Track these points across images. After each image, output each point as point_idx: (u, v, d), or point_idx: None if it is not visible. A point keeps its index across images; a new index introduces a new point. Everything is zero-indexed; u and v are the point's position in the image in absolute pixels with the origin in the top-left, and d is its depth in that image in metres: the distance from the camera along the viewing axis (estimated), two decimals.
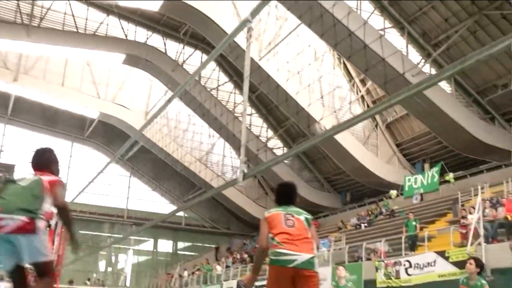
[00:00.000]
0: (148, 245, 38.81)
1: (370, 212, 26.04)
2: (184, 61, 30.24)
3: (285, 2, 18.68)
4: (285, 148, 33.35)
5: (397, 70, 18.33)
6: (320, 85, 28.20)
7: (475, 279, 6.79)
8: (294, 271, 3.98)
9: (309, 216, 4.42)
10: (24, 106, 32.98)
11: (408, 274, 15.20)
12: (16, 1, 26.43)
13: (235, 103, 32.23)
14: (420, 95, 20.82)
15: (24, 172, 4.57)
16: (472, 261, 6.91)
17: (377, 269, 16.60)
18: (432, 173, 24.81)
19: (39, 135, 35.31)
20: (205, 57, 31.33)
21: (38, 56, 29.92)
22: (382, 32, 23.46)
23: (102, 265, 38.08)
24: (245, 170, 4.17)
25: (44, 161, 4.77)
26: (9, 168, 33.64)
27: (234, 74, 32.03)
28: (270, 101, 30.14)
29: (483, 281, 6.75)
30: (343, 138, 26.29)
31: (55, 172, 4.86)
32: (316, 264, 4.11)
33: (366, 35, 13.00)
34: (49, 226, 11.89)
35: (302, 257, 3.98)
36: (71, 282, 31.05)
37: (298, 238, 4.09)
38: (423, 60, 23.53)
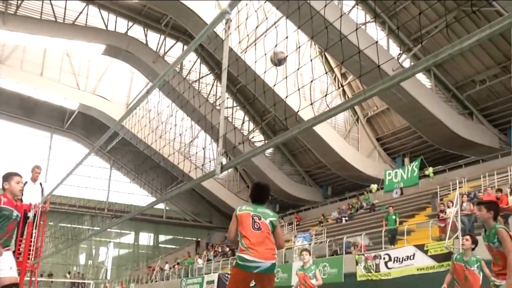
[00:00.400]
0: (129, 238, 38.60)
1: (351, 206, 26.21)
2: (165, 53, 29.98)
3: None
4: (266, 141, 33.35)
5: (375, 62, 18.39)
6: (302, 78, 28.18)
7: (469, 255, 6.87)
8: (256, 275, 4.58)
9: (275, 219, 4.85)
10: (2, 96, 32.39)
11: (388, 268, 15.32)
12: None
13: (215, 95, 32.12)
14: (400, 90, 20.97)
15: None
16: (468, 237, 6.97)
17: (357, 262, 16.71)
18: (412, 168, 25.05)
19: (18, 126, 34.82)
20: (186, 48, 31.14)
21: (15, 45, 29.37)
22: (362, 26, 23.56)
23: (82, 258, 37.78)
24: (223, 162, 4.10)
25: None
26: None
27: (216, 66, 31.88)
28: (251, 94, 30.08)
29: (478, 256, 6.81)
30: (324, 131, 26.38)
31: None
32: (276, 267, 4.72)
33: (345, 27, 12.99)
34: (27, 218, 11.74)
35: (265, 264, 4.56)
36: (50, 275, 30.73)
37: (262, 244, 4.62)
38: (403, 55, 23.67)
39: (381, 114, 28.94)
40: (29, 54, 30.20)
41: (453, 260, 7.09)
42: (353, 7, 23.59)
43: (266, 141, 33.26)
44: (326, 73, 30.39)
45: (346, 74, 29.75)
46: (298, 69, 26.17)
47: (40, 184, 11.64)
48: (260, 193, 5.05)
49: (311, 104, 4.02)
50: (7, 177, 5.41)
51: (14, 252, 11.95)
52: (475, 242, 6.95)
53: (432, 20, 22.16)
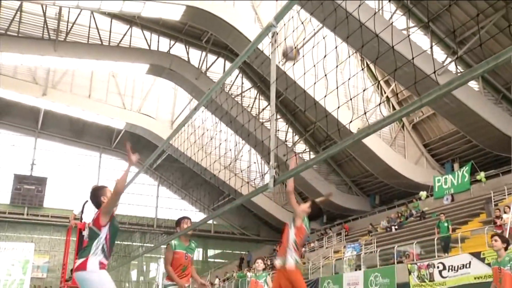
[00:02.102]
0: None
1: (400, 214, 25.68)
2: (207, 69, 30.42)
3: (308, 7, 18.60)
4: (311, 152, 33.19)
5: (422, 70, 18.07)
6: (345, 88, 28.00)
7: (503, 255, 6.60)
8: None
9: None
10: (53, 119, 33.65)
11: (443, 277, 14.90)
12: (43, 17, 27.01)
13: (259, 109, 32.28)
14: (447, 94, 20.50)
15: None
16: (496, 237, 6.71)
17: (410, 272, 16.35)
18: (462, 173, 24.34)
19: (68, 148, 35.99)
20: (228, 64, 31.47)
21: (65, 70, 30.51)
22: (405, 32, 23.24)
23: (134, 274, 38.44)
24: (276, 176, 4.12)
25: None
26: (42, 181, 34.36)
27: (258, 80, 32.09)
28: (295, 105, 30.08)
29: None
30: (369, 140, 26.02)
31: None
32: None
33: (389, 36, 12.85)
34: (83, 236, 12.06)
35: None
36: None
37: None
38: (448, 59, 23.17)
39: (427, 119, 28.33)
40: (78, 78, 31.29)
41: (492, 265, 6.85)
42: (394, 13, 23.34)
43: (310, 152, 33.13)
44: (374, 82, 30.08)
45: (389, 81, 29.35)
46: (346, 81, 25.95)
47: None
48: (318, 212, 6.03)
49: (364, 113, 4.00)
50: (102, 189, 5.14)
51: (71, 270, 12.34)
52: (505, 241, 6.69)
53: (478, 20, 21.62)
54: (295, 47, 5.47)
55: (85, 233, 12.14)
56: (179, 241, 6.71)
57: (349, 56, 28.94)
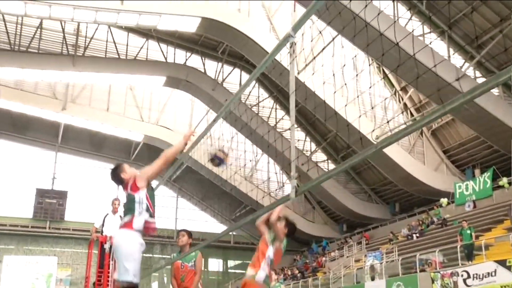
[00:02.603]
0: None
1: (421, 222, 25.39)
2: (223, 80, 30.56)
3: (324, 17, 18.61)
4: (329, 161, 33.03)
5: (439, 75, 17.93)
6: (362, 96, 27.90)
7: None
8: None
9: None
10: (73, 133, 34.02)
11: (467, 285, 14.67)
12: (62, 34, 27.46)
13: (276, 118, 32.28)
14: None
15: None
16: None
17: (433, 280, 16.12)
18: (484, 179, 23.98)
19: (88, 161, 36.34)
20: (244, 74, 31.57)
21: (83, 84, 30.91)
22: (421, 38, 23.11)
23: (155, 286, 38.49)
24: (297, 186, 4.10)
25: None
26: (62, 195, 34.74)
27: (274, 89, 32.12)
28: (312, 114, 30.02)
29: None
30: (388, 147, 25.73)
31: None
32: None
33: (406, 43, 12.76)
34: (104, 249, 12.13)
35: None
36: None
37: None
38: (466, 64, 22.95)
39: (446, 125, 28.05)
40: (96, 92, 31.65)
41: None
42: (409, 19, 23.24)
43: (328, 161, 32.97)
44: (391, 89, 29.92)
45: (407, 88, 29.15)
46: (367, 90, 25.84)
47: (120, 216, 12.02)
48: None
49: (387, 122, 3.97)
50: (119, 167, 5.34)
51: (94, 283, 12.40)
52: None
53: (496, 24, 21.40)
54: (221, 150, 5.58)
55: (107, 246, 12.22)
56: (178, 252, 7.02)
57: (370, 65, 28.90)
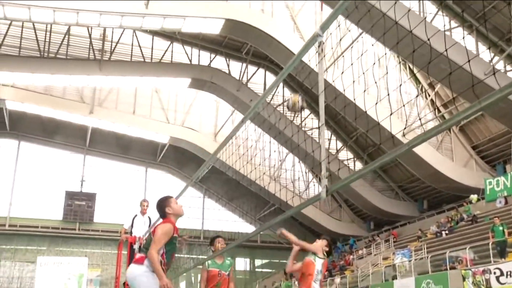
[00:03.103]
0: None
1: (450, 219, 25.03)
2: (248, 80, 30.64)
3: (352, 16, 18.52)
4: (355, 159, 32.82)
5: (469, 71, 17.66)
6: (387, 91, 27.62)
7: None
8: None
9: None
10: (100, 136, 34.61)
11: (501, 283, 14.42)
12: (89, 39, 27.95)
13: (301, 118, 32.18)
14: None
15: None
16: None
17: (464, 278, 15.89)
18: None
19: (115, 163, 36.89)
20: (268, 74, 31.57)
21: (110, 88, 31.39)
22: (448, 33, 22.78)
23: (183, 286, 38.85)
24: (328, 185, 4.12)
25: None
26: (91, 197, 35.37)
27: (299, 89, 32.04)
28: (337, 112, 29.85)
29: None
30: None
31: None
32: None
33: (436, 40, 12.60)
34: (133, 250, 12.31)
35: None
36: None
37: None
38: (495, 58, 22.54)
39: (474, 121, 27.55)
40: (122, 95, 32.11)
41: None
42: (436, 14, 22.95)
43: (354, 159, 32.77)
44: (417, 85, 29.57)
45: (433, 83, 28.76)
46: (396, 89, 25.60)
47: (149, 217, 12.19)
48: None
49: (419, 120, 3.97)
50: (166, 200, 5.21)
51: (124, 283, 12.60)
52: None
53: None
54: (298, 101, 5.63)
55: (136, 246, 12.40)
56: (213, 259, 6.97)
57: (399, 63, 28.63)
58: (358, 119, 24.11)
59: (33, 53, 27.47)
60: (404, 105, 25.08)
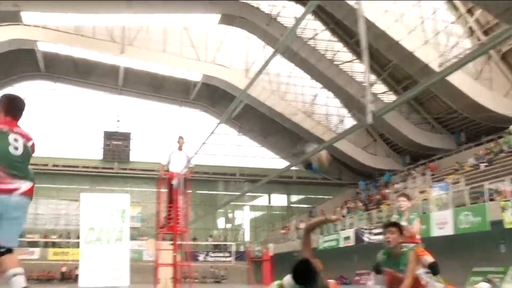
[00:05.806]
0: (262, 200, 39.85)
1: (489, 151, 24.52)
2: (278, 14, 29.81)
3: None
4: (390, 92, 32.08)
5: None
6: (423, 19, 26.47)
7: None
8: None
9: None
10: (133, 76, 34.74)
11: None
12: None
13: (333, 51, 31.38)
14: None
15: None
16: None
17: (503, 209, 15.69)
18: None
19: (149, 103, 37.20)
20: (299, 7, 30.59)
21: (139, 26, 31.10)
22: None
23: (220, 222, 39.90)
24: (374, 109, 3.96)
25: None
26: (126, 136, 36.02)
27: (330, 22, 31.05)
28: (370, 45, 28.90)
29: None
30: (451, 75, 24.65)
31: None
32: None
33: None
34: (172, 185, 12.51)
35: None
36: (194, 239, 33.03)
37: None
38: None
39: None
40: (152, 33, 31.83)
41: None
42: None
43: (389, 92, 32.04)
44: (456, 12, 28.21)
45: (472, 10, 27.36)
46: (430, 17, 24.59)
47: (186, 154, 12.31)
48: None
49: (457, 46, 3.70)
50: None
51: (165, 217, 12.91)
52: None
53: None
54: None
55: (175, 182, 12.61)
56: (384, 252, 5.77)
57: None
58: (390, 50, 23.39)
59: None
60: (438, 33, 23.99)
